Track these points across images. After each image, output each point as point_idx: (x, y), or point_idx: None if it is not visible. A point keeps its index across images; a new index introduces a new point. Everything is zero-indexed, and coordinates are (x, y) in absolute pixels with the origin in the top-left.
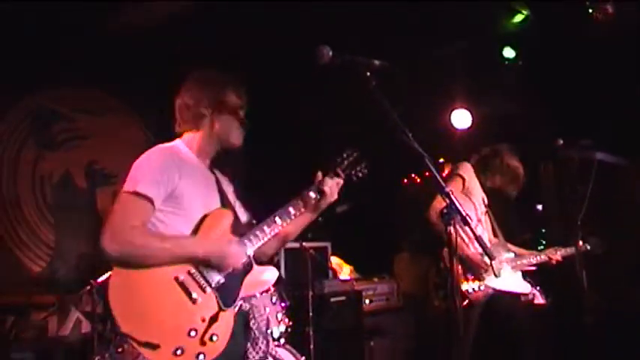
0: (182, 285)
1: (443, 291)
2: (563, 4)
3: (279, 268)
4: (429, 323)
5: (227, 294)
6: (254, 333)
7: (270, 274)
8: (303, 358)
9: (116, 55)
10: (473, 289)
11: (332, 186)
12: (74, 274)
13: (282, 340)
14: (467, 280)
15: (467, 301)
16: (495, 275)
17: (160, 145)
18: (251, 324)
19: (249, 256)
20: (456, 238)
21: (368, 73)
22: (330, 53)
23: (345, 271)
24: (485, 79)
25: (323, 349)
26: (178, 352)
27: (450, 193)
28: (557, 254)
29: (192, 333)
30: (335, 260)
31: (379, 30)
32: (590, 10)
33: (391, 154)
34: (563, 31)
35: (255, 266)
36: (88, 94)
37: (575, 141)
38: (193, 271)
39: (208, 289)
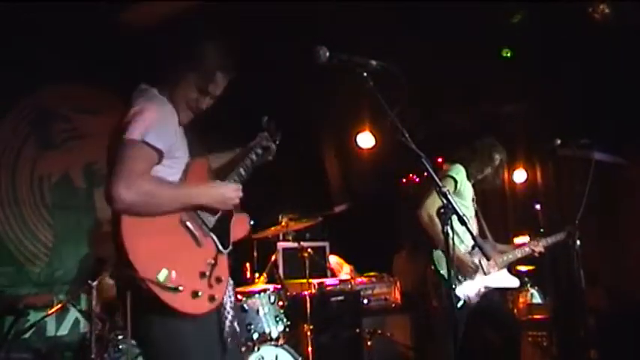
0: (187, 227)
1: (441, 290)
2: (562, 3)
3: (277, 268)
4: (427, 322)
5: (222, 236)
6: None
7: (245, 221)
8: (300, 358)
9: (115, 53)
10: (467, 290)
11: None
12: (72, 274)
13: (281, 340)
14: (459, 281)
15: (462, 302)
16: (485, 274)
17: (158, 98)
18: None
19: None
20: (453, 237)
21: (365, 74)
22: (327, 54)
23: (344, 271)
24: (483, 78)
25: (321, 349)
26: (199, 294)
27: (447, 192)
28: (539, 245)
29: (204, 275)
30: (335, 259)
31: (378, 29)
32: (590, 10)
33: (390, 153)
34: (561, 30)
35: (233, 212)
36: (87, 93)
37: (573, 140)
38: (193, 213)
39: (207, 231)
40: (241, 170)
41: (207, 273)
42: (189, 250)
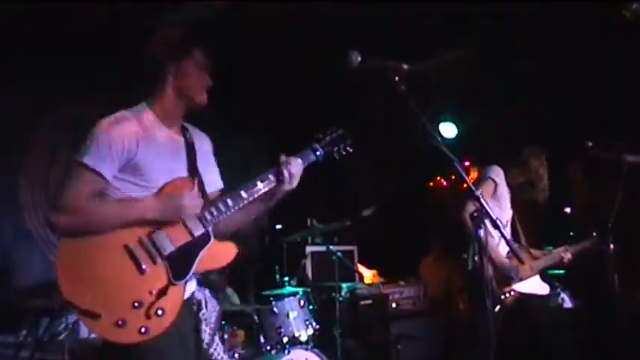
0: (131, 253)
1: (468, 294)
2: (591, 4)
3: (305, 272)
4: (454, 326)
5: (179, 266)
6: (203, 324)
7: (229, 251)
8: None
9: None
10: (505, 295)
11: (293, 171)
12: None
13: (311, 344)
14: (498, 284)
15: (498, 307)
16: (521, 279)
17: (121, 112)
18: (200, 314)
19: (207, 230)
20: (486, 241)
21: (397, 78)
22: (359, 58)
23: (367, 276)
24: (512, 79)
25: (350, 353)
26: (119, 323)
27: (480, 196)
28: (567, 253)
29: (137, 305)
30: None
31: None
32: (620, 10)
33: (417, 157)
34: (590, 32)
35: (213, 241)
36: (117, 100)
37: (605, 143)
38: (144, 239)
39: (159, 260)
40: (227, 201)
41: (146, 303)
42: (125, 277)
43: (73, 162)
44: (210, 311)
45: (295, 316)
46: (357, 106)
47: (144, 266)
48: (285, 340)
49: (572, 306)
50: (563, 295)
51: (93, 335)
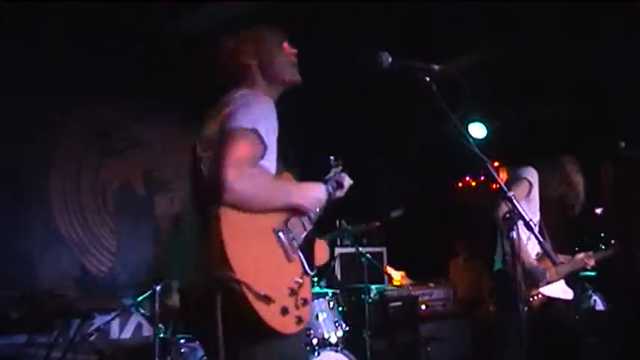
0: (279, 240)
1: (498, 296)
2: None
3: (334, 273)
4: (484, 328)
5: (308, 257)
6: None
7: (325, 249)
8: None
9: (175, 64)
10: (533, 297)
11: (346, 184)
12: (134, 279)
13: (340, 345)
14: (526, 286)
15: (526, 308)
16: (548, 282)
17: (261, 95)
18: None
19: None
20: (519, 243)
21: (427, 78)
22: (390, 59)
23: (396, 278)
24: (540, 77)
25: (379, 354)
26: (290, 310)
27: (513, 197)
28: (590, 260)
29: (290, 292)
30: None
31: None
32: None
33: (446, 158)
34: (622, 31)
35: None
36: (145, 103)
37: (637, 143)
38: (284, 227)
39: (296, 249)
40: None
41: (295, 292)
42: (280, 263)
43: (236, 128)
44: None
45: (325, 318)
46: (385, 108)
47: (290, 254)
48: (315, 341)
49: (604, 309)
50: (595, 297)
51: (123, 336)
